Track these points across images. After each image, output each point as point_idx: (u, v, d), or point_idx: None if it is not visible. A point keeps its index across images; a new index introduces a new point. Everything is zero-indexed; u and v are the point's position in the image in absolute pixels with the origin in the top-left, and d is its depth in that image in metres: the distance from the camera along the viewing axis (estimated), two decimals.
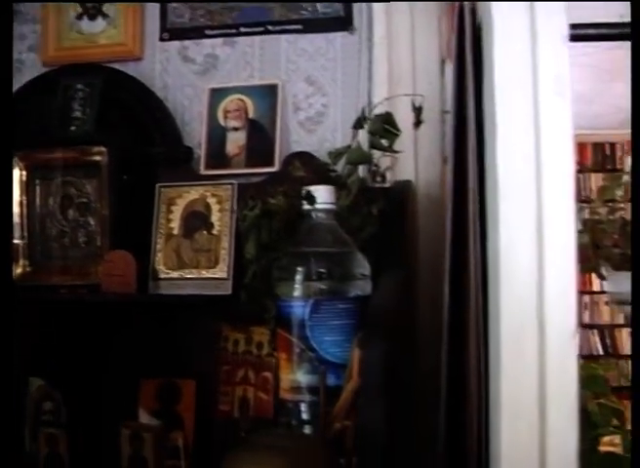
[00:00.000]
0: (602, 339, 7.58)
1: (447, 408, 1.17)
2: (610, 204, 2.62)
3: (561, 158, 0.97)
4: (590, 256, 2.52)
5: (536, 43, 0.99)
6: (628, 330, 7.59)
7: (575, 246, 0.97)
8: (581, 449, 2.82)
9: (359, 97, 1.86)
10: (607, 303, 7.34)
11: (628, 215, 2.79)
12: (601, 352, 7.55)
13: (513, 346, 0.95)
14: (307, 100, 1.92)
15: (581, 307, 7.54)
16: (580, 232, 2.61)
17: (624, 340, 7.61)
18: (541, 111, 0.97)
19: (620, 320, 7.57)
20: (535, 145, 0.97)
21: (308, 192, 1.36)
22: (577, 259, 2.60)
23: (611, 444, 2.87)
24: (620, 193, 2.62)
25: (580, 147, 7.56)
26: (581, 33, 2.06)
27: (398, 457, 1.18)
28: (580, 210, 2.75)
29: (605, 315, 7.58)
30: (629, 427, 3.01)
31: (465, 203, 1.13)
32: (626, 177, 2.61)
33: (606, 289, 2.75)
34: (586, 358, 6.81)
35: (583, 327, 7.59)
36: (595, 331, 7.59)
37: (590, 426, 2.80)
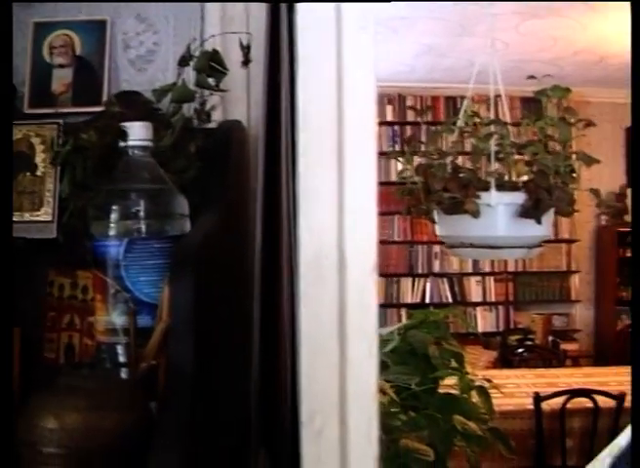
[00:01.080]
0: (451, 288, 7.83)
1: (261, 344, 1.16)
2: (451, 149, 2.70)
3: (363, 94, 0.96)
4: (422, 200, 2.58)
5: None
6: (476, 278, 7.89)
7: (375, 183, 0.96)
8: (422, 390, 2.90)
9: (191, 36, 1.81)
10: None
11: (458, 161, 2.89)
12: (450, 300, 7.81)
13: (312, 281, 0.95)
14: (138, 38, 1.86)
15: (432, 257, 7.76)
16: (413, 182, 2.67)
17: (472, 288, 7.89)
18: (345, 45, 0.95)
19: (469, 268, 7.85)
20: (337, 79, 0.95)
21: (120, 128, 1.32)
22: (408, 202, 2.64)
23: (449, 385, 2.98)
24: (452, 138, 2.70)
25: (434, 100, 7.72)
26: None
27: (212, 397, 1.17)
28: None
29: (454, 264, 7.82)
30: (467, 370, 3.13)
31: (279, 141, 1.11)
32: (460, 123, 2.68)
33: (437, 233, 2.84)
34: (436, 306, 7.04)
35: (434, 275, 7.82)
36: (445, 280, 7.83)
37: (430, 368, 2.90)
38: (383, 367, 2.89)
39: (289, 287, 1.09)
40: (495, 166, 2.58)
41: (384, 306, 7.72)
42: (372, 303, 0.95)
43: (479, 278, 7.90)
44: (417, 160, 2.76)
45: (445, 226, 2.71)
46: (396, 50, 6.37)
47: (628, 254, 8.08)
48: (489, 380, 3.13)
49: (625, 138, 8.47)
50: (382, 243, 7.77)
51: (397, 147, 7.45)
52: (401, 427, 2.52)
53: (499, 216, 2.53)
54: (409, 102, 7.67)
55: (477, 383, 3.02)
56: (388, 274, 7.78)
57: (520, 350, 6.65)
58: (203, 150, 1.50)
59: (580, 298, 8.22)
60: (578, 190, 6.62)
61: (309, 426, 0.92)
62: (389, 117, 7.75)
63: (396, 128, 7.61)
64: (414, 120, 7.47)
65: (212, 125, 1.60)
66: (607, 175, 8.38)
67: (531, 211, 2.47)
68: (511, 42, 5.94)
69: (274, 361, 1.14)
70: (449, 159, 2.56)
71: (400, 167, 3.18)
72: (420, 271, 7.80)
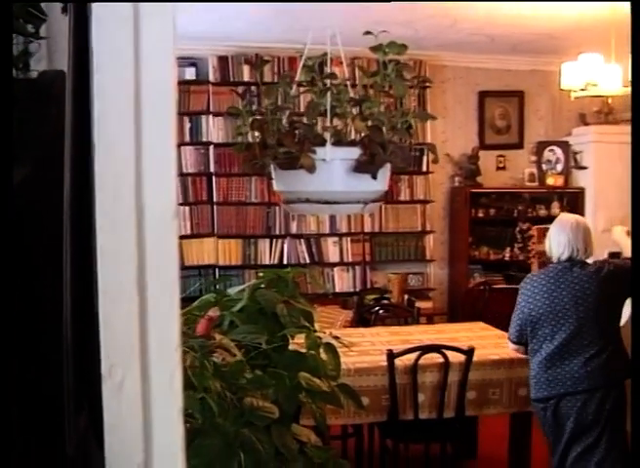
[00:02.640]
0: (309, 248, 7.88)
1: (73, 298, 1.12)
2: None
3: (161, 48, 0.92)
4: (258, 156, 2.56)
5: None
6: (333, 238, 7.97)
7: (173, 128, 0.93)
8: (272, 349, 2.89)
9: None
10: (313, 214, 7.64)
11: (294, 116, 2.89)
12: (308, 260, 7.86)
13: (109, 229, 0.91)
14: None
15: (289, 218, 7.77)
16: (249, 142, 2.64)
17: (329, 249, 7.96)
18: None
19: (326, 229, 7.92)
20: (133, 25, 0.91)
21: None
22: (245, 158, 2.61)
23: (298, 343, 2.99)
24: (292, 93, 2.69)
25: (291, 60, 7.68)
26: None
27: (23, 357, 1.12)
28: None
29: (312, 225, 7.87)
30: (316, 327, 3.15)
31: (87, 88, 1.07)
32: (298, 78, 2.67)
33: (275, 188, 2.83)
34: (294, 266, 7.05)
35: (291, 236, 7.85)
36: (302, 241, 7.87)
37: (279, 327, 2.90)
38: (233, 326, 2.88)
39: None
40: (334, 122, 2.59)
41: (242, 267, 7.71)
42: (173, 252, 0.92)
43: (336, 239, 7.97)
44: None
45: (281, 182, 2.69)
46: (253, 10, 6.30)
47: (480, 215, 8.34)
48: (337, 338, 3.16)
49: (478, 102, 8.68)
50: (240, 204, 7.74)
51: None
52: (246, 385, 2.52)
53: (334, 171, 2.54)
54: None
55: (325, 341, 3.05)
56: (246, 235, 7.76)
57: (376, 309, 6.75)
58: (21, 101, 1.43)
59: (435, 258, 8.43)
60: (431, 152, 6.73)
61: (109, 379, 0.90)
62: (246, 77, 7.69)
63: (253, 88, 7.54)
64: (271, 80, 7.42)
65: (32, 75, 1.53)
66: (461, 137, 8.60)
67: (366, 165, 2.49)
68: (367, 4, 5.96)
69: (88, 315, 1.10)
70: (285, 114, 2.55)
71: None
72: (277, 232, 7.81)
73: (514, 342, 4.36)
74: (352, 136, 2.68)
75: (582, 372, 3.99)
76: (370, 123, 2.47)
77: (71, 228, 1.13)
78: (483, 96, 8.67)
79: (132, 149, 0.91)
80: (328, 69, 2.60)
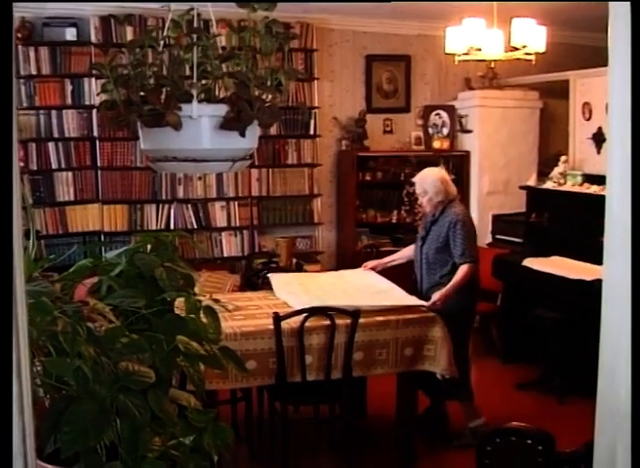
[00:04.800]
0: (196, 213, 7.79)
1: None
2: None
3: None
4: (123, 113, 2.49)
5: None
6: (220, 203, 7.90)
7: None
8: (152, 313, 2.83)
9: None
10: (200, 178, 7.55)
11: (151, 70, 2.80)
12: (195, 226, 7.78)
13: None
14: None
15: (175, 183, 7.67)
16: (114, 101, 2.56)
17: (217, 213, 7.90)
18: None
19: (213, 194, 7.84)
20: None
21: None
22: (110, 116, 2.52)
23: (179, 307, 2.95)
24: (160, 49, 2.62)
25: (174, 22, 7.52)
26: None
27: None
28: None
29: (199, 190, 7.79)
30: (196, 291, 3.11)
31: None
32: (166, 34, 2.61)
33: (142, 147, 2.76)
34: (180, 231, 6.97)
35: (178, 201, 7.74)
36: (189, 206, 7.78)
37: (158, 291, 2.86)
38: (111, 291, 2.81)
39: None
40: (202, 79, 2.54)
41: (128, 233, 7.56)
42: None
43: (223, 203, 7.90)
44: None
45: (148, 140, 2.63)
46: None
47: (367, 178, 8.39)
48: (217, 301, 3.13)
49: (365, 66, 8.70)
50: (125, 169, 7.58)
51: None
52: (122, 350, 2.47)
53: (201, 129, 2.50)
54: (150, 23, 7.46)
55: (205, 304, 3.01)
56: (132, 201, 7.61)
57: (264, 273, 6.71)
58: None
59: (323, 221, 8.45)
60: (319, 116, 6.68)
61: None
62: (130, 37, 7.48)
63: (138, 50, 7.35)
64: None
65: None
66: (348, 100, 8.62)
67: (233, 122, 2.45)
68: None
69: None
70: (151, 70, 2.48)
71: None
72: (163, 197, 7.69)
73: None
74: (223, 95, 2.64)
75: None
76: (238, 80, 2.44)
77: None
78: (370, 60, 8.69)
79: None
80: (198, 25, 2.54)
